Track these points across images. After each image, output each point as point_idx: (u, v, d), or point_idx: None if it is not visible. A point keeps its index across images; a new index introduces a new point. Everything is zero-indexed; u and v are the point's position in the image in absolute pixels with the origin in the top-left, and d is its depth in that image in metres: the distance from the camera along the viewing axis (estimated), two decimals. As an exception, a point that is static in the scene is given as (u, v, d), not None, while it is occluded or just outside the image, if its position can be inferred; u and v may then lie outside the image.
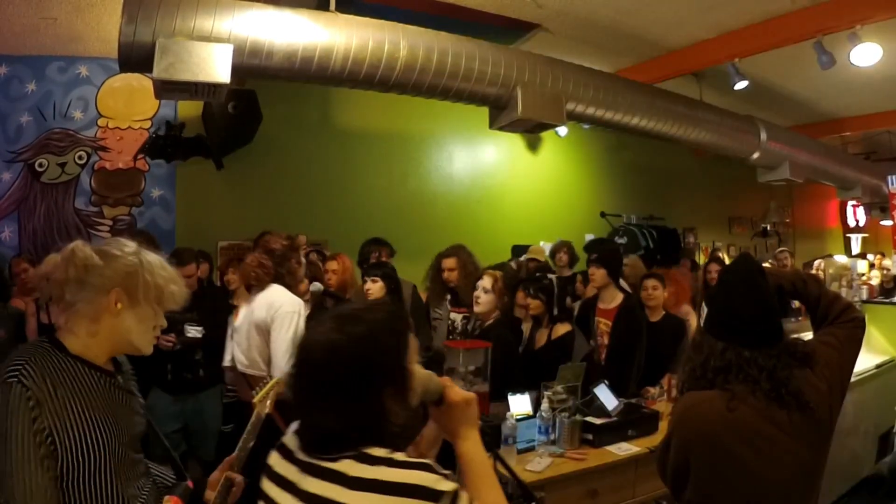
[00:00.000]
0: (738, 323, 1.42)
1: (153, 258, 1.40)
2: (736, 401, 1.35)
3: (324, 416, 1.00)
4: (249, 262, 2.99)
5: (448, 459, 1.15)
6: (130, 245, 1.39)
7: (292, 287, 2.97)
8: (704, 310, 1.52)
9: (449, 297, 3.93)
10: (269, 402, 1.65)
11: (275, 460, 1.08)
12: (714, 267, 4.92)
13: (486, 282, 3.28)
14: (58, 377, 1.24)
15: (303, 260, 3.07)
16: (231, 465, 1.52)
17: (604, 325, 3.54)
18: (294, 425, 1.12)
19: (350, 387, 0.99)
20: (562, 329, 3.34)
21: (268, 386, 1.69)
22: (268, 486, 1.06)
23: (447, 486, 0.95)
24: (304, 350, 1.05)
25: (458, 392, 1.17)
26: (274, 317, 2.77)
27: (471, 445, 1.14)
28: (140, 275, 1.34)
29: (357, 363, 1.00)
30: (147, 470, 1.47)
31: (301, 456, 1.04)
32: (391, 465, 0.95)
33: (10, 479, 1.16)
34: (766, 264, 6.69)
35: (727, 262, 6.22)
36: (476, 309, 3.34)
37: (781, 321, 1.46)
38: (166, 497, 1.43)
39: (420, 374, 1.10)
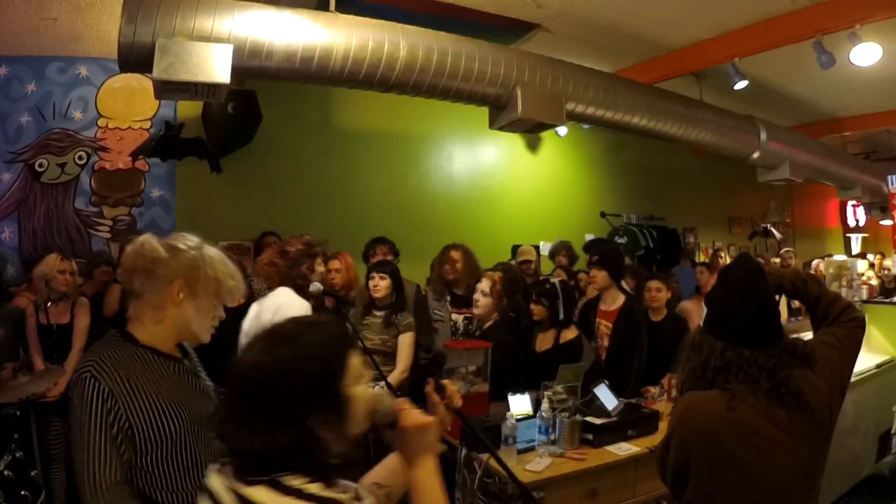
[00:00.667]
0: (737, 323, 1.42)
1: (214, 253, 1.50)
2: (736, 400, 1.35)
3: (243, 437, 0.95)
4: (261, 260, 3.02)
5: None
6: (194, 240, 1.49)
7: (302, 290, 2.97)
8: (705, 309, 1.52)
9: (449, 297, 3.94)
10: None
11: (210, 473, 1.03)
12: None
13: (483, 285, 3.27)
14: (130, 367, 1.34)
15: (317, 268, 3.06)
16: None
17: (604, 326, 3.53)
18: None
19: (271, 410, 0.94)
20: (569, 334, 3.31)
21: None
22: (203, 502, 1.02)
23: None
24: (232, 369, 1.00)
25: (412, 416, 1.11)
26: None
27: (423, 474, 1.09)
28: (201, 268, 1.45)
29: (279, 387, 0.95)
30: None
31: (228, 474, 0.99)
32: (300, 498, 0.91)
33: (86, 465, 1.27)
34: (774, 259, 6.72)
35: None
36: (475, 311, 3.35)
37: (781, 321, 1.46)
38: None
39: (364, 397, 1.04)
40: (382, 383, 3.14)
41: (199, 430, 1.40)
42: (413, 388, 3.26)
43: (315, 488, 0.93)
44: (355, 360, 1.03)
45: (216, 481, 0.99)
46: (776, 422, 1.34)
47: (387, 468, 1.24)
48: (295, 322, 1.07)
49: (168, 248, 1.44)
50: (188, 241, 1.48)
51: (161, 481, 1.33)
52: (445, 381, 1.34)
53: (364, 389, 1.04)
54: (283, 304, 2.79)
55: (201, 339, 1.49)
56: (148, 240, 1.44)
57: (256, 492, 0.92)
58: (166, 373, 1.41)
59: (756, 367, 1.36)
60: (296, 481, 0.92)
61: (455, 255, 3.91)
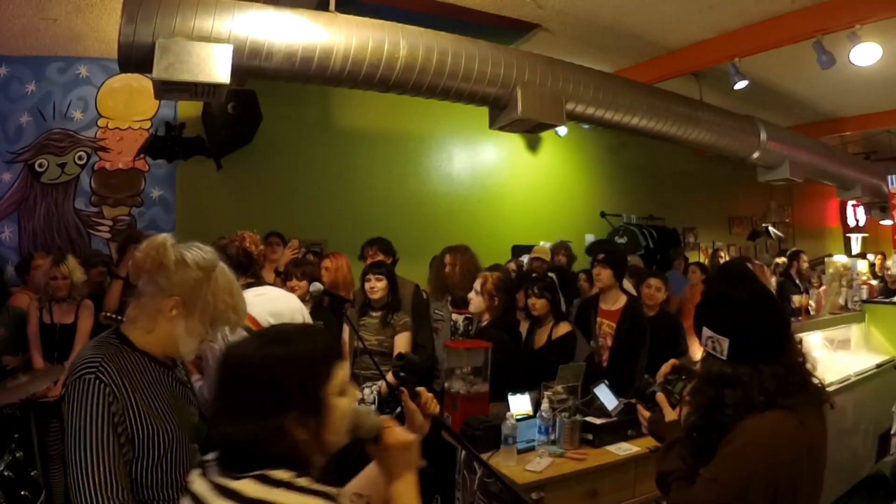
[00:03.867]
0: (770, 339, 1.36)
1: (224, 280, 1.42)
2: (798, 415, 1.31)
3: (226, 426, 0.99)
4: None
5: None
6: (210, 258, 1.41)
7: None
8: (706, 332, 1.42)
9: (450, 298, 3.93)
10: None
11: (193, 477, 1.05)
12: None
13: (476, 284, 3.31)
14: (129, 371, 1.31)
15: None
16: None
17: (607, 326, 3.52)
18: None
19: (252, 401, 0.99)
20: (562, 329, 3.33)
21: None
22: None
23: None
24: (224, 360, 1.05)
25: (395, 435, 1.16)
26: None
27: (402, 488, 1.14)
28: (203, 292, 1.38)
29: (263, 380, 0.99)
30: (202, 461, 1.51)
31: (212, 473, 1.01)
32: (290, 489, 0.93)
33: (87, 470, 1.21)
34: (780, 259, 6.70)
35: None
36: (470, 309, 3.37)
37: None
38: None
39: (347, 410, 1.07)
40: (376, 387, 3.15)
41: (187, 440, 1.39)
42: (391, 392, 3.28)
43: (304, 482, 0.95)
44: (341, 373, 1.07)
45: (198, 484, 1.01)
46: (821, 427, 1.35)
47: (366, 478, 1.27)
48: (291, 326, 1.12)
49: (178, 259, 1.37)
50: (203, 257, 1.40)
51: (146, 491, 1.30)
52: (420, 389, 1.34)
53: (348, 403, 1.08)
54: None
55: (185, 357, 1.47)
56: (164, 242, 1.38)
57: (244, 485, 0.94)
58: (160, 380, 1.38)
59: (795, 374, 1.34)
60: (284, 475, 0.95)
61: (448, 258, 3.90)
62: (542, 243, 5.94)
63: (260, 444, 0.97)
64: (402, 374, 1.58)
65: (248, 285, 2.74)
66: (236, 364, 1.03)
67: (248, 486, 0.94)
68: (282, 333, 1.08)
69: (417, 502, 1.13)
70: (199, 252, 1.41)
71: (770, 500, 1.26)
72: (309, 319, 2.74)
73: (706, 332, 1.42)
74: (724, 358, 1.37)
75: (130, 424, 1.27)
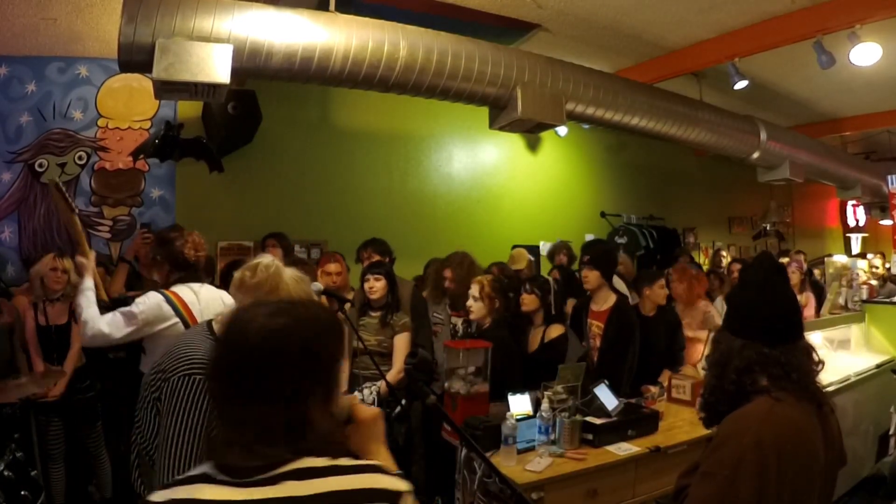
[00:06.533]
0: (756, 320, 1.39)
1: (293, 289, 1.57)
2: (780, 400, 1.30)
3: (255, 416, 0.87)
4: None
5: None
6: (303, 276, 1.60)
7: None
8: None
9: (448, 301, 3.93)
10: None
11: (200, 490, 0.87)
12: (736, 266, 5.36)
13: (473, 290, 3.28)
14: None
15: None
16: None
17: (596, 327, 3.51)
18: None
19: (286, 377, 0.89)
20: (555, 332, 3.32)
21: None
22: None
23: (403, 485, 0.90)
24: (236, 334, 0.93)
25: (365, 409, 1.16)
26: None
27: (381, 462, 1.09)
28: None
29: (303, 348, 0.91)
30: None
31: (234, 482, 0.86)
32: (341, 473, 0.87)
33: (176, 451, 1.36)
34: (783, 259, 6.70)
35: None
36: (470, 317, 3.36)
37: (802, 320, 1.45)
38: None
39: (343, 383, 1.06)
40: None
41: None
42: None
43: (346, 461, 0.90)
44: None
45: (215, 492, 0.87)
46: (811, 419, 1.33)
47: None
48: (290, 298, 1.11)
49: (291, 280, 1.56)
50: (301, 277, 1.59)
51: None
52: (350, 396, 1.33)
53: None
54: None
55: None
56: (273, 265, 1.57)
57: (290, 488, 0.84)
58: None
59: (779, 365, 1.33)
60: (321, 462, 0.88)
61: (449, 273, 3.88)
62: (541, 243, 5.95)
63: (288, 433, 0.87)
64: (414, 371, 1.58)
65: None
66: (263, 334, 0.90)
67: (296, 488, 0.84)
68: (295, 302, 1.01)
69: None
70: (293, 271, 1.60)
71: (759, 480, 1.24)
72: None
73: None
74: (721, 326, 1.50)
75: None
